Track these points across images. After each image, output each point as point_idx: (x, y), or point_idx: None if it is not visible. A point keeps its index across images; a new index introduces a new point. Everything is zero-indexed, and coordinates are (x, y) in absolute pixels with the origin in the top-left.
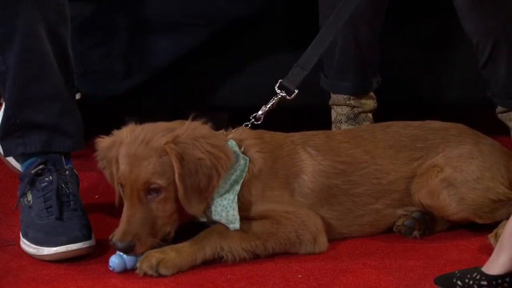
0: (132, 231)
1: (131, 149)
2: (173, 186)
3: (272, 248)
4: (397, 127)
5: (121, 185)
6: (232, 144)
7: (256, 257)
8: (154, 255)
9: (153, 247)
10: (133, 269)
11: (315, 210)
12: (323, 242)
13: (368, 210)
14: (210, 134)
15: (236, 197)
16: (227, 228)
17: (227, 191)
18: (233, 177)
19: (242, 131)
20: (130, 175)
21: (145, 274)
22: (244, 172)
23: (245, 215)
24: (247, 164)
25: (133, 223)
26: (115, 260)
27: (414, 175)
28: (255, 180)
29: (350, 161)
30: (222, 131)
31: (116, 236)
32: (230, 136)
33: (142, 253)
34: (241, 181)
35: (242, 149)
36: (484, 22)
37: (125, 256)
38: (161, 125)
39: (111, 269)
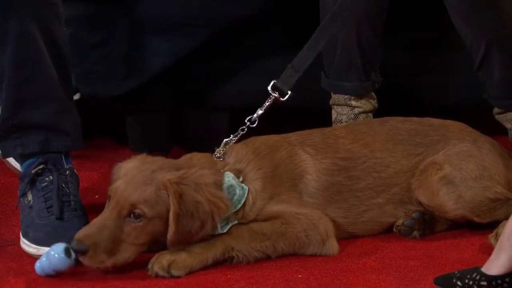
0: (94, 239)
1: (134, 171)
2: (158, 222)
3: (282, 248)
4: (394, 121)
5: (109, 197)
6: (229, 176)
7: (267, 258)
8: (165, 257)
9: (100, 266)
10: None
11: (322, 209)
12: (331, 245)
13: (371, 205)
14: (213, 183)
15: (219, 225)
16: (238, 229)
17: (226, 224)
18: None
19: (241, 156)
20: (123, 191)
21: (156, 276)
22: (240, 203)
23: (256, 219)
24: (245, 194)
25: (100, 232)
26: (38, 264)
27: (414, 171)
28: (261, 194)
29: (350, 157)
30: (221, 163)
31: (77, 234)
32: (227, 168)
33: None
34: (233, 211)
35: (241, 178)
36: (476, 24)
37: (46, 260)
38: (168, 161)
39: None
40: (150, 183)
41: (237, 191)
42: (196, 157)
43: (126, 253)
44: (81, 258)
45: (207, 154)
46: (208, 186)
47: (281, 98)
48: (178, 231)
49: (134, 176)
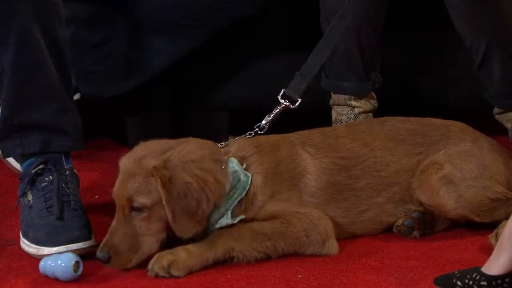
0: (111, 243)
1: (125, 164)
2: (159, 208)
3: (282, 248)
4: (395, 121)
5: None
6: (234, 162)
7: (268, 258)
8: (165, 257)
9: (129, 266)
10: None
11: (322, 208)
12: (331, 245)
13: (371, 205)
14: (202, 158)
15: (229, 213)
16: (238, 229)
17: (228, 209)
18: (235, 195)
19: (243, 146)
20: (118, 190)
21: (156, 276)
22: (245, 190)
23: (256, 218)
24: (249, 181)
25: (114, 236)
26: (42, 263)
27: (415, 171)
28: (262, 189)
29: (350, 156)
30: (224, 149)
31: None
32: (231, 154)
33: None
34: (239, 198)
35: (244, 165)
36: (476, 24)
37: (52, 266)
38: (159, 144)
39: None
40: (138, 173)
41: (242, 177)
42: (194, 140)
43: (147, 245)
44: (108, 265)
45: (209, 141)
46: (196, 161)
47: (291, 106)
48: (176, 214)
49: (125, 171)
